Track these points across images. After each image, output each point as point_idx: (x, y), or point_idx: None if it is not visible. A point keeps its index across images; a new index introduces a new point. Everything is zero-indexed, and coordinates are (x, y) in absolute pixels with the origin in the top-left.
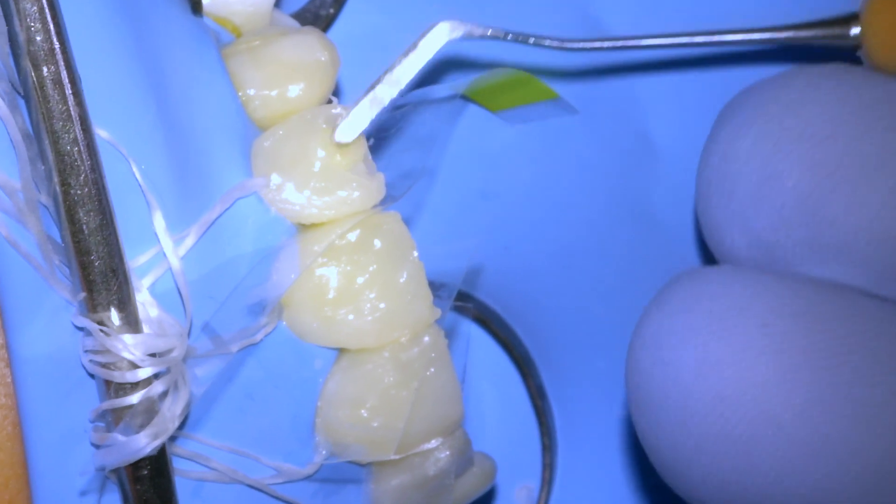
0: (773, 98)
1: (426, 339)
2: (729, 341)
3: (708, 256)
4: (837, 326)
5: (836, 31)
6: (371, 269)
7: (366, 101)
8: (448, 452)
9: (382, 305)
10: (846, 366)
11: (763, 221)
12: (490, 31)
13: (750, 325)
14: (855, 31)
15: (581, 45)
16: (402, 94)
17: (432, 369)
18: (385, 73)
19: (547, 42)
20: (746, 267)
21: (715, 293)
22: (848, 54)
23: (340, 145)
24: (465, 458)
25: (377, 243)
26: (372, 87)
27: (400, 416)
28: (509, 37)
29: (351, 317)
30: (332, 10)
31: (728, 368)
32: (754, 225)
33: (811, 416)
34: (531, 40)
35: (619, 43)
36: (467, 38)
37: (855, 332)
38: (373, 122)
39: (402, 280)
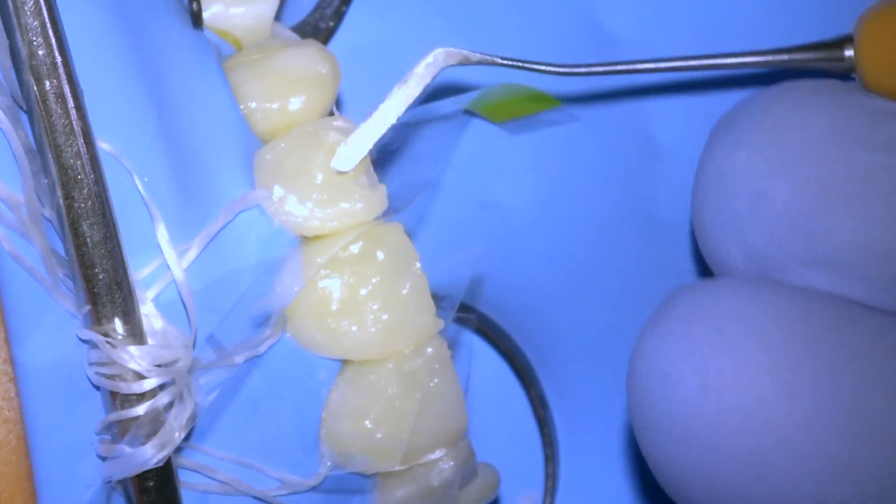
0: (766, 112)
1: (429, 349)
2: (730, 354)
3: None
4: (837, 338)
5: (831, 53)
6: (374, 280)
7: (363, 130)
8: (452, 463)
9: (385, 317)
10: (846, 378)
11: (757, 235)
12: (486, 58)
13: (750, 337)
14: (849, 53)
15: (577, 70)
16: (401, 120)
17: (436, 380)
18: (382, 101)
19: (541, 68)
20: (745, 279)
21: (714, 306)
22: (842, 77)
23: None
24: (468, 469)
25: (380, 255)
26: (369, 115)
27: (404, 427)
28: (506, 63)
29: (354, 328)
30: (331, 23)
31: (729, 382)
32: (749, 238)
33: (812, 429)
34: (525, 66)
35: (615, 67)
36: (463, 64)
37: (854, 344)
38: (372, 149)
39: (404, 291)
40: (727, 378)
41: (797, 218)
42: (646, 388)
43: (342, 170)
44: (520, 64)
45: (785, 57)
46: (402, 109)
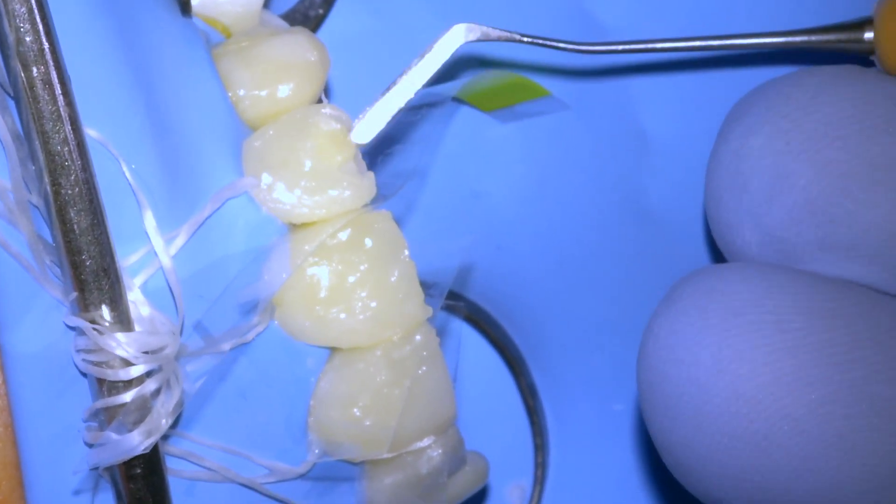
0: (786, 97)
1: (418, 337)
2: (745, 338)
3: (706, 251)
4: (852, 323)
5: (850, 35)
6: (362, 268)
7: (383, 103)
8: (441, 450)
9: (374, 304)
10: (861, 362)
11: (775, 219)
12: (506, 34)
13: (766, 322)
14: (868, 35)
15: (596, 48)
16: (418, 95)
17: (424, 367)
18: (401, 74)
19: (562, 45)
20: (760, 264)
21: (729, 290)
22: (861, 59)
23: (330, 145)
24: (457, 457)
25: (368, 242)
26: (388, 88)
27: (392, 415)
28: (525, 39)
29: (343, 315)
30: (321, 11)
31: (745, 366)
32: (766, 222)
33: (827, 413)
34: (547, 43)
35: (635, 46)
36: (482, 40)
37: (869, 329)
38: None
39: (393, 279)
40: (743, 361)
41: (817, 202)
42: (658, 370)
43: (360, 142)
44: (540, 41)
45: (804, 38)
46: (421, 84)
